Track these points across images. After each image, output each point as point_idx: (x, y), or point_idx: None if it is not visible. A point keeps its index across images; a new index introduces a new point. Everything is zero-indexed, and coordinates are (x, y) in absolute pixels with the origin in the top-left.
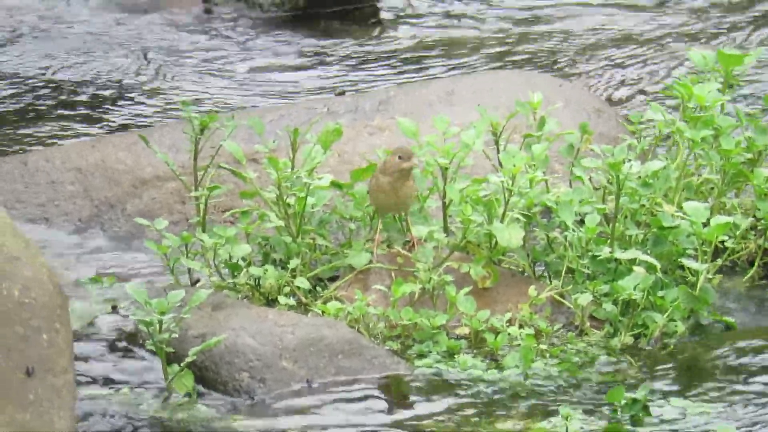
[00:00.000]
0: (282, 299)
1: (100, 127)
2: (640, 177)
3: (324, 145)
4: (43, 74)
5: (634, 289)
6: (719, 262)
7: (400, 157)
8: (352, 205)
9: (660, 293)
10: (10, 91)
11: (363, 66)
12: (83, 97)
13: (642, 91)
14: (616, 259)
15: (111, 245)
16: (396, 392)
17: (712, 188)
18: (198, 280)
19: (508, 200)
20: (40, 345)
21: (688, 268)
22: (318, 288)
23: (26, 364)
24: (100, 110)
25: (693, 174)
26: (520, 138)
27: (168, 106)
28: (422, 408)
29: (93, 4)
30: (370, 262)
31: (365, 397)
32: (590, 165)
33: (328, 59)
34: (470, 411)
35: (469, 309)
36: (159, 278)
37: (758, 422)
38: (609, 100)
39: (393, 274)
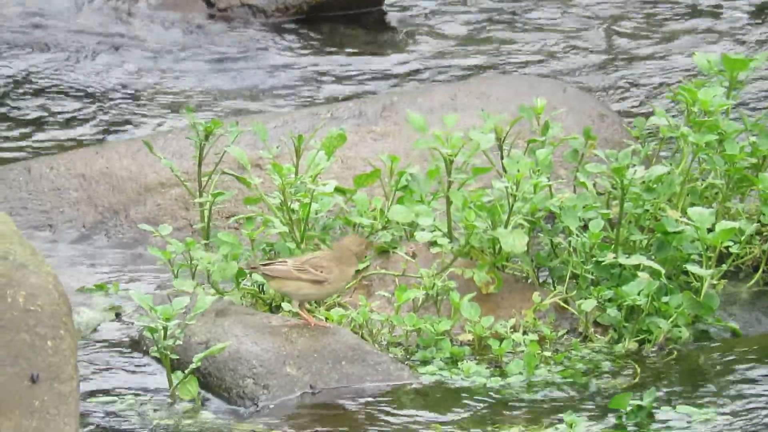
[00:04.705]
0: (285, 306)
1: (98, 132)
2: (644, 182)
3: (328, 151)
4: (41, 77)
5: (639, 294)
6: (724, 267)
7: (365, 246)
8: (355, 211)
9: (664, 299)
10: (11, 94)
11: (366, 71)
12: (83, 102)
13: (646, 96)
14: (620, 265)
15: (115, 251)
16: (400, 399)
17: (717, 193)
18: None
19: (512, 206)
20: (45, 352)
21: (692, 273)
22: None
23: (32, 371)
24: (99, 116)
25: (697, 179)
26: (524, 143)
27: (172, 112)
28: (426, 415)
29: (95, 9)
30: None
31: (369, 404)
32: (594, 170)
33: (332, 64)
34: (475, 418)
35: (472, 315)
36: (163, 284)
37: (763, 429)
38: (613, 104)
39: (396, 281)
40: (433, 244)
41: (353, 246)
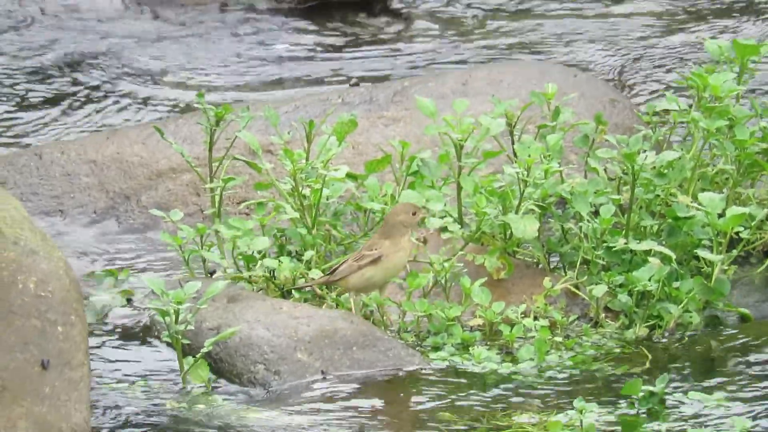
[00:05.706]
0: (296, 292)
1: (109, 118)
2: (654, 167)
3: (339, 136)
4: (52, 63)
5: (649, 280)
6: (734, 252)
7: (413, 213)
8: (366, 196)
9: (675, 284)
10: (25, 79)
11: (377, 57)
12: (97, 88)
13: (657, 81)
14: (631, 250)
15: (126, 237)
16: (411, 385)
17: (727, 179)
18: (214, 272)
19: (523, 191)
20: (56, 338)
21: (703, 259)
22: None
23: (42, 357)
24: (109, 101)
25: (708, 164)
26: (535, 129)
27: (183, 97)
28: (437, 401)
29: None
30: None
31: (379, 390)
32: (605, 155)
33: (342, 50)
34: (485, 404)
35: (483, 300)
36: (174, 270)
37: None
38: (623, 89)
39: (408, 266)
40: (444, 229)
41: (397, 214)
